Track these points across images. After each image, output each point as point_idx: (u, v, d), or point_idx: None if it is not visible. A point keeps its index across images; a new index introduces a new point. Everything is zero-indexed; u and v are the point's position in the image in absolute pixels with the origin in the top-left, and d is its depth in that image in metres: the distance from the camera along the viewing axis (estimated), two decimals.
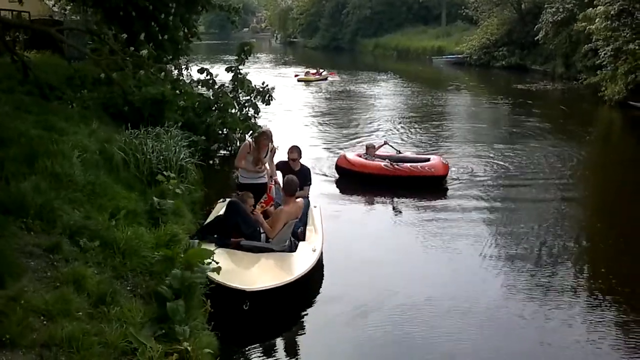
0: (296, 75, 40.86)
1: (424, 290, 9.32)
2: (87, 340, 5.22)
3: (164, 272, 7.06)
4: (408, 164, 14.64)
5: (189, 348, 5.91)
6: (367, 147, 15.73)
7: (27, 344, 4.94)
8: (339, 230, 11.68)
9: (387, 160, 14.79)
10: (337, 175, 15.45)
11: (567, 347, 7.89)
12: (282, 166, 11.53)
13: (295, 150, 11.73)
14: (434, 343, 7.92)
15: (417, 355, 7.70)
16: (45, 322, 5.29)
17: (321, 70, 41.89)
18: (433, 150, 18.85)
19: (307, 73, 41.12)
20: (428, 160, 14.95)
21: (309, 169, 11.90)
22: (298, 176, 10.57)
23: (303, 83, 38.77)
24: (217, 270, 7.39)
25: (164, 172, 10.78)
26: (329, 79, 40.79)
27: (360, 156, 15.41)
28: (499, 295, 9.20)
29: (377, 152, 15.57)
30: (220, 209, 10.77)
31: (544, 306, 8.84)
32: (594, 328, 8.22)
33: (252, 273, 8.54)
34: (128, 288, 6.76)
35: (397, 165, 14.53)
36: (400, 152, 16.06)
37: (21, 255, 6.12)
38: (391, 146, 16.58)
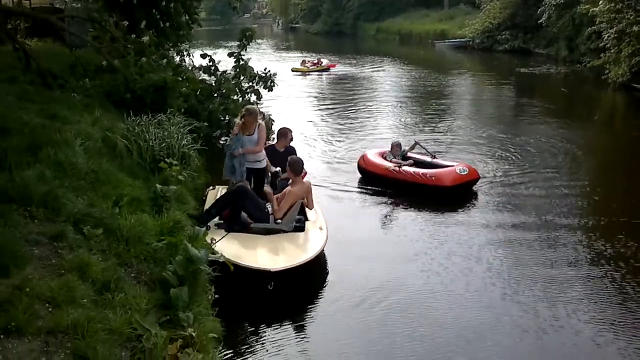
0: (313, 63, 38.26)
1: (426, 285, 9.37)
2: (92, 327, 5.26)
3: (168, 258, 7.10)
4: (412, 169, 13.57)
5: (193, 334, 5.96)
6: (392, 146, 14.75)
7: (33, 332, 4.97)
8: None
9: (404, 161, 14.02)
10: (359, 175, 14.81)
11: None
12: (267, 149, 11.62)
13: (281, 130, 12.18)
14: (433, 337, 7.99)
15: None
16: (50, 310, 5.32)
17: (322, 60, 39.07)
18: (442, 141, 18.89)
19: (303, 62, 38.31)
20: (443, 167, 13.64)
21: (294, 149, 12.03)
22: (284, 157, 10.93)
23: (299, 73, 36.14)
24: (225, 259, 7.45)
25: (167, 159, 10.80)
26: (331, 70, 37.75)
27: (382, 155, 14.54)
28: (501, 291, 9.16)
29: (411, 154, 14.61)
30: (212, 196, 10.97)
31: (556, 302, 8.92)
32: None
33: (270, 254, 8.78)
34: (132, 275, 6.80)
35: (403, 169, 13.57)
36: (433, 156, 14.60)
37: (26, 243, 6.14)
38: (422, 146, 15.13)
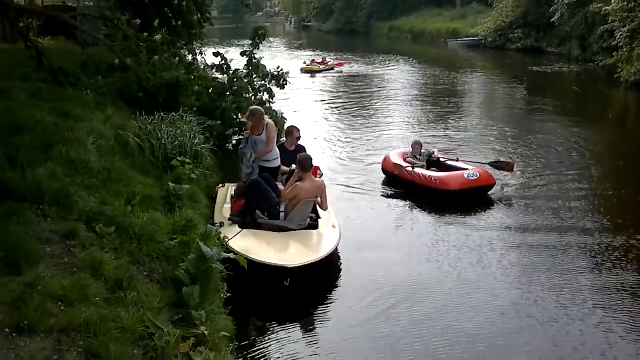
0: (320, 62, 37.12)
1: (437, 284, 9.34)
2: (105, 325, 5.26)
3: (181, 257, 7.09)
4: (422, 171, 13.18)
5: (205, 332, 5.95)
6: (412, 145, 14.31)
7: (46, 330, 4.97)
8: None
9: (418, 162, 13.63)
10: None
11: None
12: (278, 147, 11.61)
13: (288, 129, 12.27)
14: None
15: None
16: (63, 308, 5.32)
17: (327, 60, 38.23)
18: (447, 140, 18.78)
19: (312, 62, 36.94)
20: (458, 170, 13.19)
21: (304, 148, 12.05)
22: (295, 156, 10.88)
23: (309, 74, 34.84)
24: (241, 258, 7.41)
25: (179, 158, 10.80)
26: (336, 69, 36.91)
27: (404, 155, 14.05)
28: (519, 289, 9.09)
29: (440, 156, 14.11)
30: (222, 194, 11.07)
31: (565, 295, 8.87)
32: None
33: (286, 250, 8.86)
34: (145, 273, 6.80)
35: (415, 171, 13.22)
36: (457, 159, 14.16)
37: (38, 241, 6.15)
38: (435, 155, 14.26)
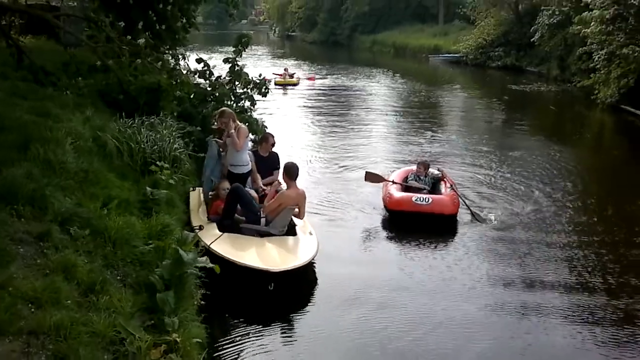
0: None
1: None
2: (75, 329, 5.19)
3: (155, 262, 7.05)
4: (391, 188, 12.99)
5: (177, 339, 5.89)
6: (418, 165, 13.88)
7: (15, 331, 4.91)
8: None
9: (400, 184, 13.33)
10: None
11: None
12: (252, 155, 11.73)
13: (263, 135, 12.81)
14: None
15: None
16: (33, 310, 5.26)
17: (288, 70, 36.39)
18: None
19: (284, 75, 35.08)
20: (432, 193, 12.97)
21: (277, 154, 12.36)
22: (267, 162, 11.52)
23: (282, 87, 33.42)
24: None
25: (158, 162, 10.74)
26: (307, 82, 35.98)
27: (407, 174, 13.82)
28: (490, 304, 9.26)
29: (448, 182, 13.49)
30: (195, 197, 11.19)
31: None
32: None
33: (268, 255, 9.01)
34: (118, 277, 6.73)
35: (388, 187, 13.05)
36: (451, 186, 13.34)
37: (10, 242, 6.07)
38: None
